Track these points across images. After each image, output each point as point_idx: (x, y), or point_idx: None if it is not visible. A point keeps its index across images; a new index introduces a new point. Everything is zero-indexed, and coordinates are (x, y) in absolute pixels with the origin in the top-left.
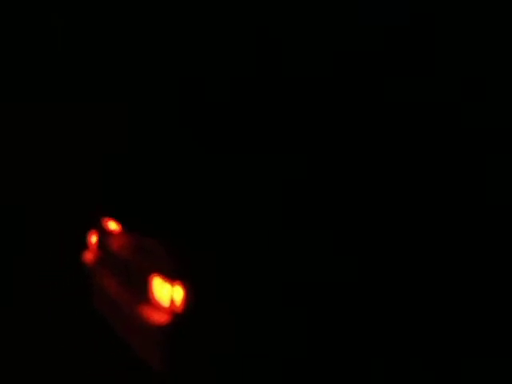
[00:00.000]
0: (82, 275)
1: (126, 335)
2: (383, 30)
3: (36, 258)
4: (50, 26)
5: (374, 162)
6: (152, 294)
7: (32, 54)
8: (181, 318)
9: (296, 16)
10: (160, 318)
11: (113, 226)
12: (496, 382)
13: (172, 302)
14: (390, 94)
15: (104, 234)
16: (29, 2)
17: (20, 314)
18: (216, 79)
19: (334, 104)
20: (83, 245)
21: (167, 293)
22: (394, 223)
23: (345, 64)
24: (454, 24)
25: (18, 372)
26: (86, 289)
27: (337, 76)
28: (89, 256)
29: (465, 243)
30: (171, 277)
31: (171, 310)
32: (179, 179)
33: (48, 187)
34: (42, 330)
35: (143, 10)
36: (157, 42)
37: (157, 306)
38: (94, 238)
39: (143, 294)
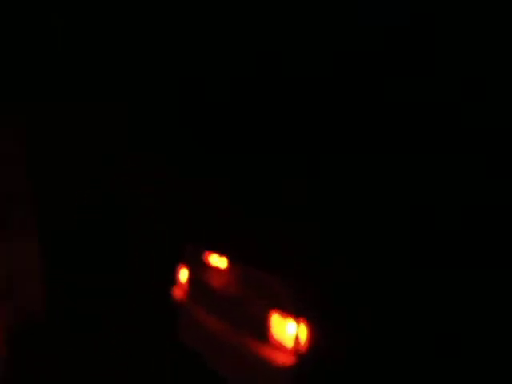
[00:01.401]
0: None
1: (232, 375)
2: (383, 30)
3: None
4: (49, 26)
5: (374, 162)
6: (271, 332)
7: (32, 53)
8: (306, 359)
9: (296, 16)
10: (283, 359)
11: (215, 260)
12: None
13: (296, 341)
14: (390, 94)
15: (201, 268)
16: (29, 2)
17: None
18: (216, 79)
19: (334, 104)
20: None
21: (290, 332)
22: (387, 222)
23: (345, 64)
24: (453, 24)
25: None
26: (174, 325)
27: (337, 76)
28: (179, 292)
29: (465, 245)
30: (295, 314)
31: (295, 350)
32: (295, 211)
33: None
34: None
35: (143, 10)
36: (157, 42)
37: (277, 346)
38: (184, 273)
39: (258, 332)
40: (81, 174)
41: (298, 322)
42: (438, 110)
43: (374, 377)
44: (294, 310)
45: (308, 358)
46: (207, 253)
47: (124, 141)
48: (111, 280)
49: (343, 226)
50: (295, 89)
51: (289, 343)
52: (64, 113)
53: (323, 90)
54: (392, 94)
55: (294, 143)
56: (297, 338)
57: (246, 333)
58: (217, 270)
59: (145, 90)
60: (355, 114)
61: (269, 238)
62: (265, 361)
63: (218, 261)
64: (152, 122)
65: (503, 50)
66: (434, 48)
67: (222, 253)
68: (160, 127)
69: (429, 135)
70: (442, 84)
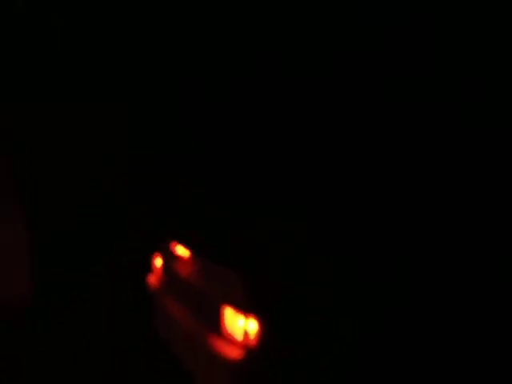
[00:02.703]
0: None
1: (191, 366)
2: (383, 30)
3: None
4: (50, 26)
5: (374, 161)
6: (223, 325)
7: (32, 53)
8: (254, 354)
9: (296, 16)
10: (232, 352)
11: (181, 250)
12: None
13: (245, 335)
14: (390, 94)
15: (171, 257)
16: (29, 1)
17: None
18: (216, 79)
19: (334, 103)
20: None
21: (240, 326)
22: (387, 223)
23: (345, 64)
24: (453, 24)
25: None
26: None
27: (337, 76)
28: (153, 279)
29: (466, 246)
30: (245, 309)
31: (244, 344)
32: (257, 207)
33: (50, 189)
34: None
35: (143, 10)
36: (157, 42)
37: (228, 339)
38: (158, 262)
39: (213, 324)
40: (81, 173)
41: (247, 317)
42: (437, 110)
43: (320, 377)
44: (244, 305)
45: (257, 353)
46: (174, 242)
47: (124, 141)
48: (95, 276)
49: (307, 225)
50: (295, 88)
51: (239, 337)
52: (64, 113)
53: (323, 90)
54: (392, 94)
55: (289, 144)
56: (246, 333)
57: (204, 325)
58: (182, 259)
59: (145, 90)
60: (355, 114)
61: (230, 232)
62: (217, 353)
63: (182, 251)
64: (152, 121)
65: (503, 50)
66: (433, 48)
67: (185, 244)
68: (160, 127)
69: (428, 135)
70: (442, 84)
